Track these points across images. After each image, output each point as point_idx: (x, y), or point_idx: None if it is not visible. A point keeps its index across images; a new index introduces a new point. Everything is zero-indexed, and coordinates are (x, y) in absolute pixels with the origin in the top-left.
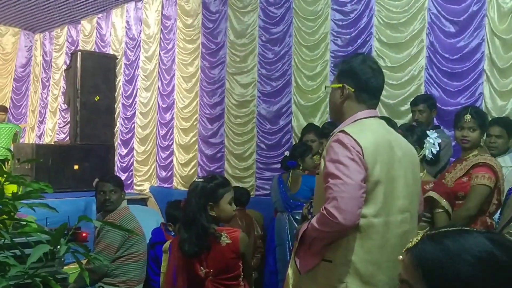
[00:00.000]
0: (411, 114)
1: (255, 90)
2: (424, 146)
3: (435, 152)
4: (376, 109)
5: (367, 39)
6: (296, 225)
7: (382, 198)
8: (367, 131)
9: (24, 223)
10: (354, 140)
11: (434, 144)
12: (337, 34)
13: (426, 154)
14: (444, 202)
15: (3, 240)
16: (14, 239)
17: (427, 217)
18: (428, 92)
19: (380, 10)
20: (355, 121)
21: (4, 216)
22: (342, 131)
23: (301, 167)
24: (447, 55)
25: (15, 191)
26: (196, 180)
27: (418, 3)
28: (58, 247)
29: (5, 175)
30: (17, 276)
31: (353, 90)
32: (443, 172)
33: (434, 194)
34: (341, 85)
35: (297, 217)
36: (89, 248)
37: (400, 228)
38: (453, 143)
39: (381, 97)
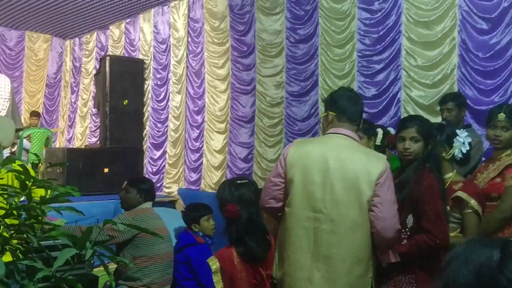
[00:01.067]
0: None
1: (284, 91)
2: (454, 145)
3: (465, 151)
4: (354, 130)
5: (396, 37)
6: None
7: (294, 194)
8: (309, 143)
9: (52, 226)
10: (291, 146)
11: (464, 143)
12: (364, 33)
13: (455, 154)
14: (473, 202)
15: (31, 243)
16: (41, 243)
17: (457, 218)
18: (461, 91)
19: (409, 8)
20: (325, 134)
21: (32, 220)
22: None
23: None
24: (479, 53)
25: (43, 195)
26: (240, 179)
27: (449, 0)
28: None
29: (32, 180)
30: (44, 280)
31: (334, 114)
32: (475, 172)
33: (462, 194)
34: (325, 113)
35: None
36: (115, 251)
37: (309, 223)
38: (485, 143)
39: (415, 97)
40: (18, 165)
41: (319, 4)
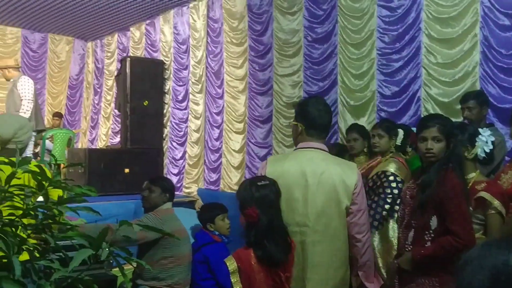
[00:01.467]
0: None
1: (302, 91)
2: (476, 144)
3: (488, 151)
4: (322, 142)
5: (416, 34)
6: None
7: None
8: (285, 160)
9: (69, 226)
10: (266, 164)
11: (487, 142)
12: (384, 31)
13: (478, 153)
14: (496, 203)
15: (48, 243)
16: (59, 243)
17: (480, 219)
18: (484, 89)
19: (429, 4)
20: (295, 149)
21: (49, 220)
22: (266, 159)
23: None
24: (502, 50)
25: (61, 194)
26: (261, 180)
27: None
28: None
29: (48, 180)
30: (61, 280)
31: (304, 127)
32: (498, 173)
33: (485, 194)
34: (296, 123)
35: None
36: (131, 252)
37: (296, 237)
38: (509, 141)
39: (435, 95)
40: (34, 165)
41: (338, 2)
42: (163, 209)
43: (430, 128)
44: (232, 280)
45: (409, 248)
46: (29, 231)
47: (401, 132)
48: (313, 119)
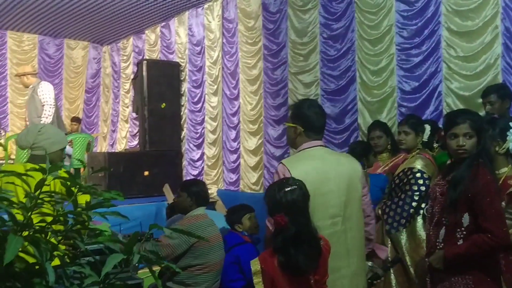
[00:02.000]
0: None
1: (319, 89)
2: (507, 139)
3: None
4: (321, 140)
5: (435, 28)
6: None
7: (311, 208)
8: (302, 159)
9: (98, 231)
10: (287, 168)
11: None
12: (402, 25)
13: (510, 148)
14: None
15: (78, 249)
16: (88, 248)
17: (511, 213)
18: (506, 81)
19: None
20: (300, 150)
21: (79, 226)
22: (281, 163)
23: (366, 167)
24: None
25: (88, 200)
26: (289, 184)
27: None
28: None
29: (77, 186)
30: (93, 285)
31: (303, 129)
32: None
33: None
34: (294, 125)
35: None
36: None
37: (329, 230)
38: None
39: (455, 89)
40: (64, 171)
41: None
42: (192, 215)
43: (461, 124)
44: (254, 281)
45: (441, 246)
46: (59, 237)
47: (427, 128)
48: (311, 122)
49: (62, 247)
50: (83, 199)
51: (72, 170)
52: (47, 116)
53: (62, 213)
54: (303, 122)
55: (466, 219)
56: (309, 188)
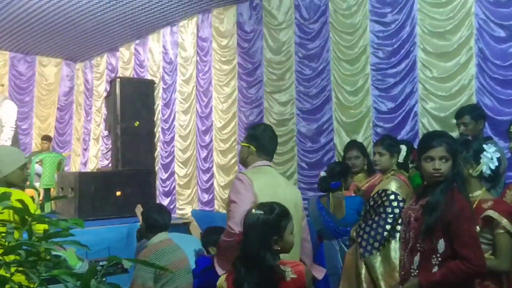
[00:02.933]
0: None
1: (294, 108)
2: (481, 161)
3: (493, 167)
4: (270, 162)
5: (411, 49)
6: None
7: None
8: (260, 173)
9: (58, 261)
10: (248, 178)
11: (492, 159)
12: (377, 46)
13: (483, 170)
14: (505, 221)
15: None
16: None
17: (488, 239)
18: (480, 102)
19: (423, 18)
20: (254, 167)
21: (34, 257)
22: (241, 173)
23: (343, 188)
24: (498, 62)
25: (47, 228)
26: (253, 211)
27: (464, 9)
28: None
29: (30, 217)
30: None
31: (255, 150)
32: (503, 190)
33: (493, 213)
34: (248, 145)
35: (347, 243)
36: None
37: None
38: (508, 155)
39: (431, 109)
40: (16, 199)
41: (329, 18)
42: (152, 243)
43: (437, 147)
44: None
45: (415, 273)
46: (12, 269)
47: (403, 148)
48: (264, 144)
49: (22, 277)
50: (42, 226)
51: (41, 190)
52: (6, 140)
53: (15, 244)
54: (257, 143)
55: (441, 245)
56: (269, 198)
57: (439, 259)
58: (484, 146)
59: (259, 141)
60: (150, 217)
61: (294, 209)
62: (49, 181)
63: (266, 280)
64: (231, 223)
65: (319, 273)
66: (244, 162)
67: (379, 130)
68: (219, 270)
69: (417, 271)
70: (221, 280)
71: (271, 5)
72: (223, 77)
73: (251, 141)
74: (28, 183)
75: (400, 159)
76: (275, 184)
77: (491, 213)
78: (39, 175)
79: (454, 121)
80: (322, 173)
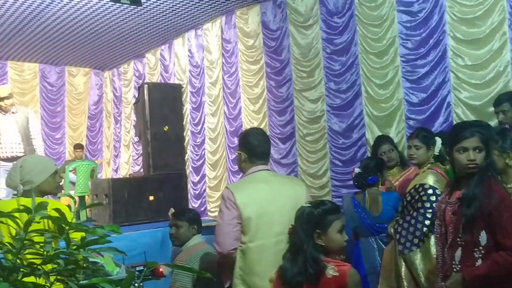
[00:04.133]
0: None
1: (324, 104)
2: None
3: None
4: (266, 164)
5: (441, 38)
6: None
7: (255, 229)
8: (247, 183)
9: (95, 268)
10: (231, 192)
11: None
12: (406, 36)
13: None
14: None
15: None
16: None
17: None
18: None
19: (452, 5)
20: (247, 174)
21: (72, 265)
22: (226, 187)
23: (380, 183)
24: None
25: (84, 235)
26: (303, 205)
27: None
28: None
29: (67, 225)
30: None
31: (246, 156)
32: None
33: None
34: (239, 152)
35: (385, 240)
36: None
37: (275, 248)
38: None
39: (465, 98)
40: (53, 209)
41: (355, 11)
42: (189, 247)
43: (470, 138)
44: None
45: (458, 268)
46: (52, 278)
47: (438, 141)
48: (253, 148)
49: (60, 286)
50: (79, 234)
51: (76, 198)
52: (41, 151)
53: (53, 253)
54: (247, 149)
55: (483, 237)
56: (254, 208)
57: (482, 252)
58: None
59: (249, 146)
60: (196, 217)
61: (292, 207)
62: (83, 189)
63: (307, 271)
64: (215, 244)
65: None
66: (241, 169)
67: (411, 123)
68: (224, 281)
69: (459, 266)
70: (271, 276)
71: (296, 1)
72: (251, 77)
73: (242, 147)
74: (63, 190)
75: (436, 152)
76: (268, 189)
77: None
78: (73, 183)
79: (490, 109)
80: (357, 170)
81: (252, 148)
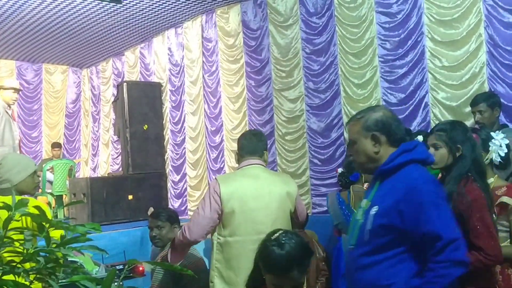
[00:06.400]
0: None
1: (303, 104)
2: (490, 149)
3: (503, 154)
4: (258, 160)
5: (419, 39)
6: None
7: (236, 223)
8: (236, 176)
9: (75, 266)
10: (218, 183)
11: (500, 146)
12: (384, 37)
13: (493, 158)
14: None
15: None
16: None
17: (506, 226)
18: (493, 89)
19: (430, 7)
20: (239, 168)
21: (52, 263)
22: (215, 178)
23: (363, 180)
24: (509, 48)
25: (63, 234)
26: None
27: None
28: None
29: (47, 223)
30: None
31: (239, 152)
32: None
33: (507, 199)
34: (235, 151)
35: None
36: None
37: (254, 246)
38: None
39: (442, 99)
40: (33, 206)
41: (334, 12)
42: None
43: (430, 135)
44: None
45: None
46: (31, 277)
47: (420, 139)
48: (243, 144)
49: (39, 285)
50: (58, 233)
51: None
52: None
53: (33, 251)
54: (238, 146)
55: None
56: (237, 203)
57: None
58: (492, 133)
59: (239, 143)
60: (176, 214)
61: (278, 207)
62: (61, 188)
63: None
64: (186, 226)
65: None
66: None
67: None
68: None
69: None
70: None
71: (276, 1)
72: (231, 76)
73: (237, 147)
74: (40, 190)
75: None
76: (255, 185)
77: (505, 199)
78: (50, 183)
79: (467, 110)
80: (340, 170)
81: (242, 144)
